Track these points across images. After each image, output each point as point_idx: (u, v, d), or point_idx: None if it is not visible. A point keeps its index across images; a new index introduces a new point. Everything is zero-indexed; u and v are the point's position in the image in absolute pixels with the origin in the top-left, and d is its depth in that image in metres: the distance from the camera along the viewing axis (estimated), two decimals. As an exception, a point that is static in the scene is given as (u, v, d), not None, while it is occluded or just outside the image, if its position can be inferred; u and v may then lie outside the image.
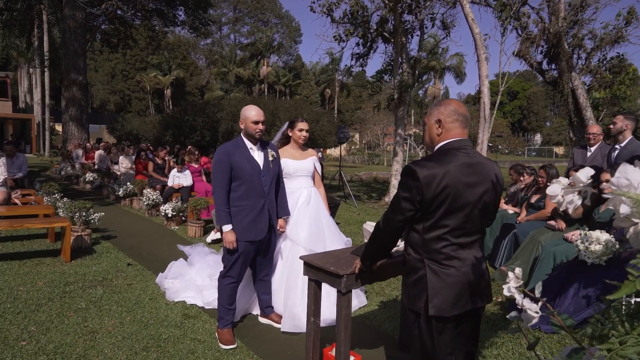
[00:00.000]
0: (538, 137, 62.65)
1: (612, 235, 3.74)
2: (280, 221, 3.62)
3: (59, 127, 32.34)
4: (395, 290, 4.52)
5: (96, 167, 13.23)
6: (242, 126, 3.36)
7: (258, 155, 3.38)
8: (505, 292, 0.95)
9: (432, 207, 1.89)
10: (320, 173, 4.16)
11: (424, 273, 1.95)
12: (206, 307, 3.94)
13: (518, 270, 0.95)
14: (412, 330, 2.06)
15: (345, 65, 13.05)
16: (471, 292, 1.97)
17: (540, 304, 0.92)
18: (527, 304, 0.91)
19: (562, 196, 0.92)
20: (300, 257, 2.78)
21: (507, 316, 1.04)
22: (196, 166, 9.44)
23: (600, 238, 3.68)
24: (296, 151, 3.92)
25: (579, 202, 0.92)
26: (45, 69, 28.05)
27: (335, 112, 44.93)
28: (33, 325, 3.48)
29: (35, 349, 3.10)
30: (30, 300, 3.98)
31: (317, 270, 2.61)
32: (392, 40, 10.88)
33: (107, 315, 3.72)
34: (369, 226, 2.97)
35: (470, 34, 9.04)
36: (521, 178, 6.09)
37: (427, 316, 1.94)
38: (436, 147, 2.05)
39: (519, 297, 0.94)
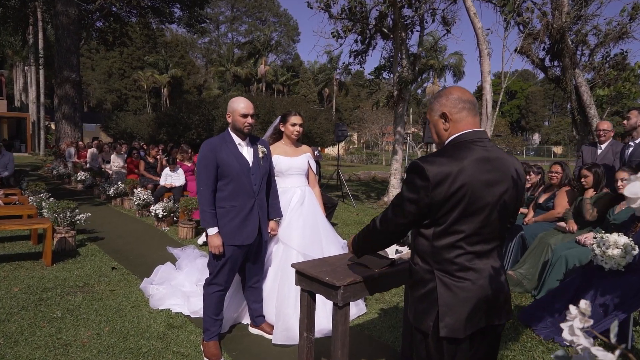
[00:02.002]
0: (537, 137, 62.45)
1: (630, 238, 3.46)
2: (272, 223, 3.33)
3: (54, 126, 31.96)
4: (396, 297, 4.23)
5: (88, 165, 12.91)
6: (229, 120, 3.06)
7: (247, 152, 3.08)
8: (566, 335, 0.67)
9: (443, 211, 1.60)
10: (315, 171, 3.87)
11: (433, 286, 1.66)
12: (192, 316, 3.65)
13: (585, 303, 0.66)
14: (419, 352, 1.77)
15: (344, 63, 12.78)
16: (488, 309, 1.68)
17: (618, 352, 0.64)
18: (600, 354, 0.63)
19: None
20: (292, 265, 2.49)
21: (552, 356, 0.75)
22: (189, 165, 9.14)
23: (618, 241, 3.40)
24: (289, 147, 3.63)
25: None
26: (40, 67, 27.69)
27: (334, 110, 44.64)
28: (0, 337, 3.18)
29: (-1, 365, 2.81)
30: (2, 309, 3.67)
31: (310, 280, 2.33)
32: (392, 36, 10.60)
33: (84, 326, 3.42)
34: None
35: (471, 31, 8.79)
36: (527, 177, 5.80)
37: (438, 337, 1.66)
38: (447, 141, 1.76)
39: (586, 343, 0.65)
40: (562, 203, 4.76)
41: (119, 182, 9.78)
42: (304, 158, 3.66)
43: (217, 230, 2.96)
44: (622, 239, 3.41)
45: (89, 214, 6.10)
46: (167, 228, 7.27)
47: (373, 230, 1.86)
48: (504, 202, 1.67)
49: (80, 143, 15.58)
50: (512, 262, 4.93)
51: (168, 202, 7.52)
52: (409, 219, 1.69)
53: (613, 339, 0.66)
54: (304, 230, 3.46)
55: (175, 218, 7.44)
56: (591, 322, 0.65)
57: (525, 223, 5.10)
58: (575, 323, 0.65)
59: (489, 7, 9.68)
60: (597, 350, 0.65)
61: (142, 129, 21.32)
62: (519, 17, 9.43)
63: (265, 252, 3.34)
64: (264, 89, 50.29)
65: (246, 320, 3.54)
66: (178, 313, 3.72)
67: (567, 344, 0.70)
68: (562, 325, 0.67)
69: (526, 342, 3.33)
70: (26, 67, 33.73)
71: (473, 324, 1.65)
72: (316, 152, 10.24)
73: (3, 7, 18.68)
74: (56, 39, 17.20)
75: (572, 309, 0.67)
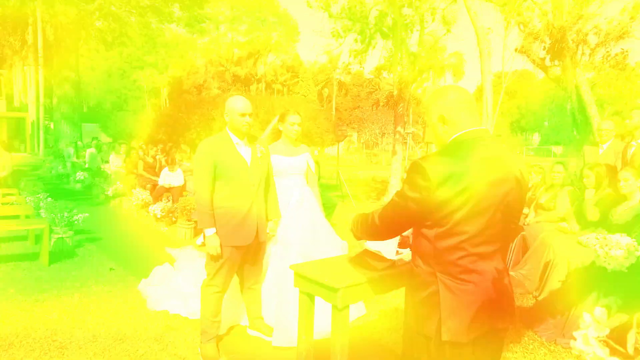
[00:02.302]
0: (536, 137, 62.35)
1: (633, 239, 3.42)
2: (271, 224, 3.28)
3: (54, 126, 31.83)
4: (397, 298, 4.18)
5: (87, 165, 12.86)
6: (227, 119, 3.02)
7: (245, 151, 3.04)
8: (580, 345, 0.63)
9: (446, 211, 1.56)
10: (314, 170, 3.83)
11: (436, 289, 1.62)
12: (190, 318, 3.60)
13: (600, 310, 0.62)
14: (420, 355, 1.73)
15: (343, 62, 12.73)
16: (492, 312, 1.64)
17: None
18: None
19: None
20: (291, 267, 2.45)
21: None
22: (188, 165, 9.09)
23: (620, 242, 3.36)
24: (288, 147, 3.59)
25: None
26: (40, 67, 27.62)
27: (334, 110, 44.57)
28: (-4, 339, 3.15)
29: (-7, 368, 2.77)
30: (-3, 311, 3.64)
31: (309, 281, 2.29)
32: (392, 35, 10.57)
33: (80, 328, 3.38)
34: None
35: (471, 30, 8.76)
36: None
37: (440, 341, 1.61)
38: (449, 140, 1.71)
39: (601, 353, 0.61)
40: (563, 203, 4.72)
41: (118, 182, 9.73)
42: (303, 158, 3.62)
43: (215, 230, 2.92)
44: (624, 240, 3.37)
45: (87, 214, 6.05)
46: (166, 228, 7.23)
47: (372, 226, 1.82)
48: (507, 202, 1.63)
49: (80, 143, 15.55)
50: (513, 263, 4.89)
51: (167, 203, 7.48)
52: (409, 219, 1.66)
53: (630, 350, 0.61)
54: (303, 230, 3.42)
55: (173, 218, 7.39)
56: (607, 330, 0.61)
57: (526, 223, 5.06)
58: (590, 332, 0.61)
59: (489, 6, 9.65)
60: (613, 361, 0.61)
61: (142, 129, 21.25)
62: (519, 17, 9.41)
63: (263, 253, 3.30)
64: (263, 88, 50.26)
65: (245, 321, 3.49)
66: (176, 314, 3.68)
67: (576, 352, 0.66)
68: (575, 333, 0.63)
69: (528, 344, 3.29)
70: (25, 67, 33.60)
71: (476, 327, 1.61)
72: (315, 152, 10.19)
73: (2, 6, 18.65)
74: (55, 38, 17.17)
75: (587, 316, 0.63)
